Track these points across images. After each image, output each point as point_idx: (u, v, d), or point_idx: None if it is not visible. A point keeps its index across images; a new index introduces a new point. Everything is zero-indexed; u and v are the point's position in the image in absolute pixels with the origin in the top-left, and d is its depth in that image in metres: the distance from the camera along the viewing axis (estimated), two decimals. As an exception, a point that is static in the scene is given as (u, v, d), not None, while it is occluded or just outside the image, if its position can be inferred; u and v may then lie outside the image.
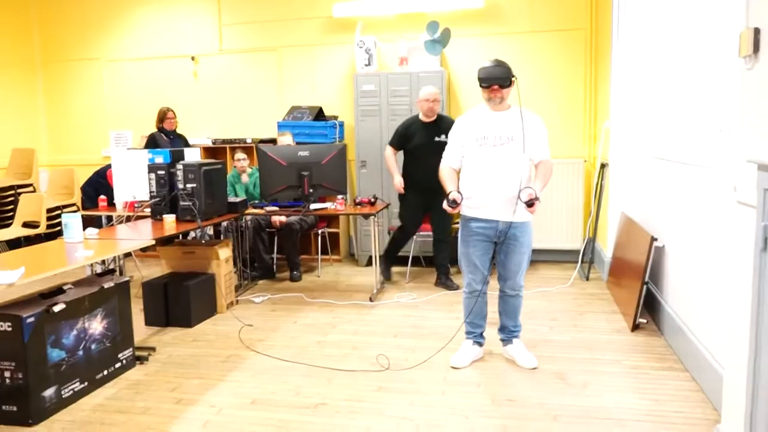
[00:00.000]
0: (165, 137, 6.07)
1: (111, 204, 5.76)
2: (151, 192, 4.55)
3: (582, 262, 5.60)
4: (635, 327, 3.94)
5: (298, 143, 5.74)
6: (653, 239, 3.85)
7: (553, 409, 2.91)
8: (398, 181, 5.15)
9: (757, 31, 2.04)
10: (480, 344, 3.58)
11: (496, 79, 3.28)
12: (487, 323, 3.60)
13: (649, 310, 4.11)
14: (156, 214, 4.51)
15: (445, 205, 3.28)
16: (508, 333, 3.57)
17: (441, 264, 5.21)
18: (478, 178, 3.34)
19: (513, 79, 3.31)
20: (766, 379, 1.87)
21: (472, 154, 3.37)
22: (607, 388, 3.13)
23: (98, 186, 6.36)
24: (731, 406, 2.24)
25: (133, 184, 5.04)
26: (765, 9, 2.02)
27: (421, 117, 4.95)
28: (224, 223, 5.37)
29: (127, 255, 6.05)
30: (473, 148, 3.36)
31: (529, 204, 3.13)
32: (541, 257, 5.96)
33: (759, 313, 1.93)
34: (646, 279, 3.88)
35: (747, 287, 2.05)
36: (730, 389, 2.26)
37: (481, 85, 3.33)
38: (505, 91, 3.33)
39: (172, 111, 6.13)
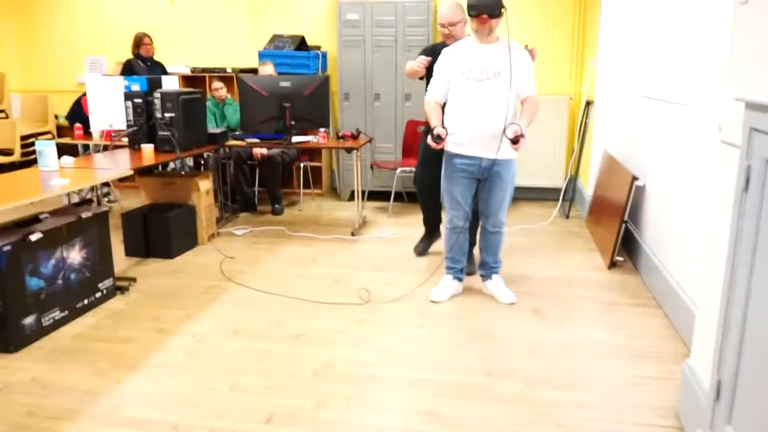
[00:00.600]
0: (141, 64, 5.86)
1: (87, 132, 5.62)
2: (128, 121, 4.42)
3: (563, 200, 5.64)
4: (612, 265, 4.01)
5: (279, 74, 5.59)
6: (634, 178, 3.87)
7: (529, 343, 2.98)
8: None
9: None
10: (459, 279, 3.62)
11: (486, 7, 3.16)
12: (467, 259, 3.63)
13: (626, 249, 4.18)
14: (133, 144, 4.41)
15: (429, 140, 3.24)
16: (487, 269, 3.60)
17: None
18: (464, 114, 3.28)
19: (503, 9, 3.20)
20: (737, 317, 1.91)
21: (457, 88, 3.30)
22: (582, 323, 3.20)
23: (78, 114, 6.18)
24: (701, 343, 2.30)
25: (109, 112, 4.90)
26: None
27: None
28: (205, 155, 5.28)
29: (105, 185, 5.96)
30: (459, 82, 3.29)
31: (515, 141, 3.09)
32: (523, 195, 5.99)
33: (735, 253, 1.96)
34: (626, 218, 3.92)
35: (725, 227, 2.07)
36: (701, 326, 2.32)
37: (469, 14, 3.22)
38: (494, 21, 3.22)
39: (149, 36, 5.89)
